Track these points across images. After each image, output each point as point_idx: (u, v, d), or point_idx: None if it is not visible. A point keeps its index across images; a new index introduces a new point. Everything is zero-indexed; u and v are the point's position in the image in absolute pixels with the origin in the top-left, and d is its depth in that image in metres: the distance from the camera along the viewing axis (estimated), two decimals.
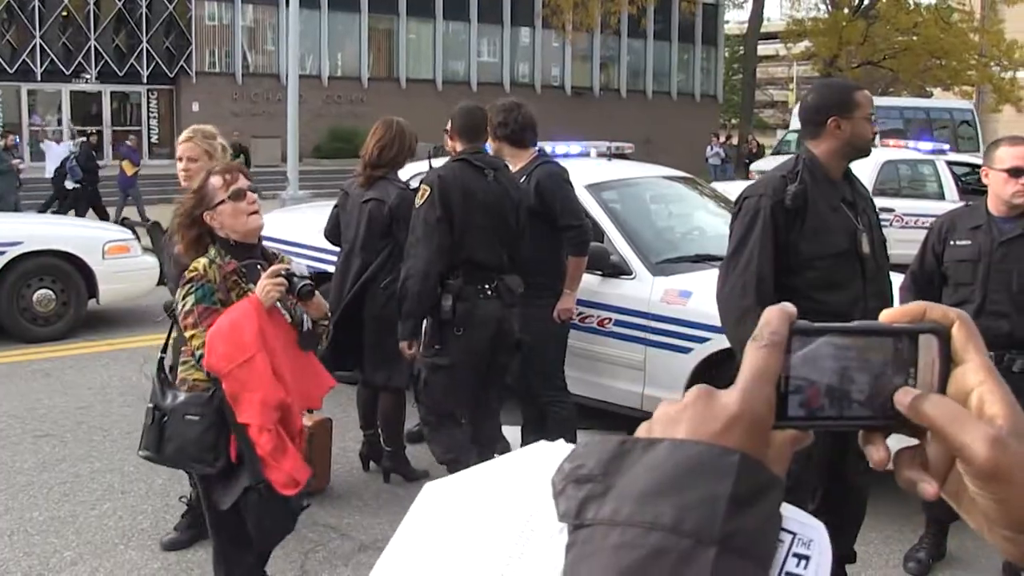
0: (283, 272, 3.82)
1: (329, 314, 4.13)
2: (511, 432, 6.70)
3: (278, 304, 3.87)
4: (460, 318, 5.27)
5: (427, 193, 5.29)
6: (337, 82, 37.59)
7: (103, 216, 20.06)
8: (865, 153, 4.13)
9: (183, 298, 3.86)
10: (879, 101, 29.25)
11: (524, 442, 6.38)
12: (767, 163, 25.06)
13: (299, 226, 8.89)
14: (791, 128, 28.89)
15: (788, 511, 0.70)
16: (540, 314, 5.89)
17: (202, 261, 3.90)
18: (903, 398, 0.75)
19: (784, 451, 0.75)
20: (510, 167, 5.96)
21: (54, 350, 9.62)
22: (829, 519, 3.79)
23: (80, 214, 19.59)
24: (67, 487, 6.13)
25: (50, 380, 8.53)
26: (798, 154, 4.07)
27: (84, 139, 22.21)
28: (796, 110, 4.26)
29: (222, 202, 3.94)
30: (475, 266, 5.33)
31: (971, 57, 40.85)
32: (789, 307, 0.76)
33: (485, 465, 0.91)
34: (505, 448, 6.71)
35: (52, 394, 8.07)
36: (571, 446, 0.92)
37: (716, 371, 6.21)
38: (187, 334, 3.84)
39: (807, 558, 0.70)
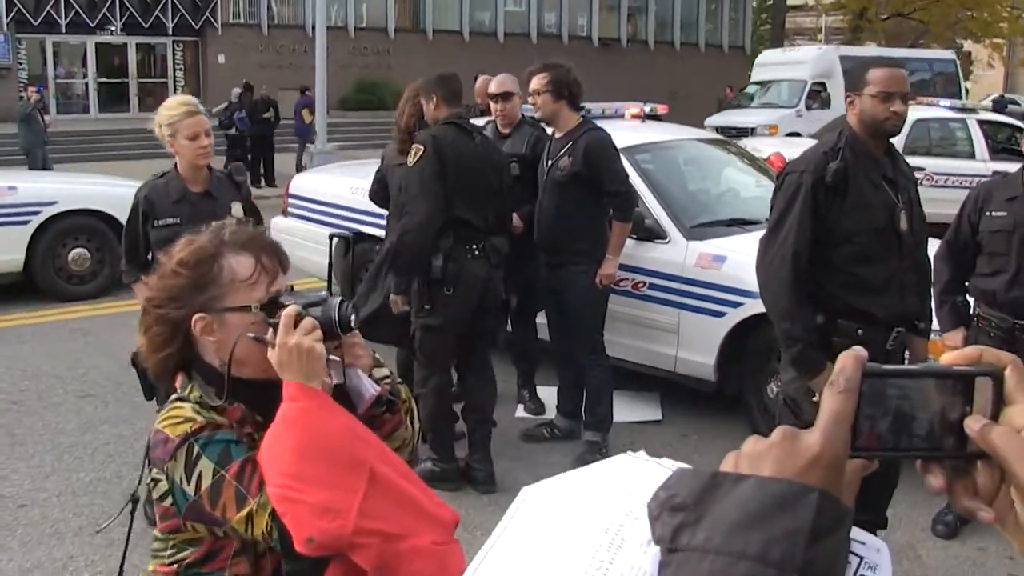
0: (299, 311, 2.06)
1: (380, 361, 2.32)
2: (547, 393, 6.82)
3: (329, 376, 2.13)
4: (450, 277, 5.40)
5: (422, 151, 5.40)
6: (363, 33, 37.42)
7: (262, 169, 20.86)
8: (880, 132, 4.05)
9: (185, 472, 2.04)
10: (846, 51, 28.50)
11: (560, 403, 6.50)
12: (722, 118, 24.84)
13: (332, 187, 8.94)
14: (752, 80, 28.52)
15: (856, 534, 0.81)
16: (581, 278, 5.99)
17: (185, 408, 2.12)
18: (974, 424, 0.83)
19: (854, 479, 0.85)
20: (556, 131, 6.06)
21: (91, 309, 9.77)
22: (862, 487, 3.89)
23: (250, 163, 20.30)
24: (111, 448, 6.28)
25: (88, 340, 8.68)
26: (840, 129, 4.11)
27: (244, 90, 22.27)
28: None
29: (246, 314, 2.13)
30: (464, 226, 5.46)
31: (1003, 9, 40.27)
32: (861, 353, 0.85)
33: (578, 473, 0.99)
34: (539, 409, 6.83)
35: (92, 354, 8.21)
36: (655, 461, 1.00)
37: (749, 336, 6.28)
38: (233, 522, 2.01)
39: None
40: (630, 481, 0.95)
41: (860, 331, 4.01)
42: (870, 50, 32.89)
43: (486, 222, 5.54)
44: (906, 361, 4.29)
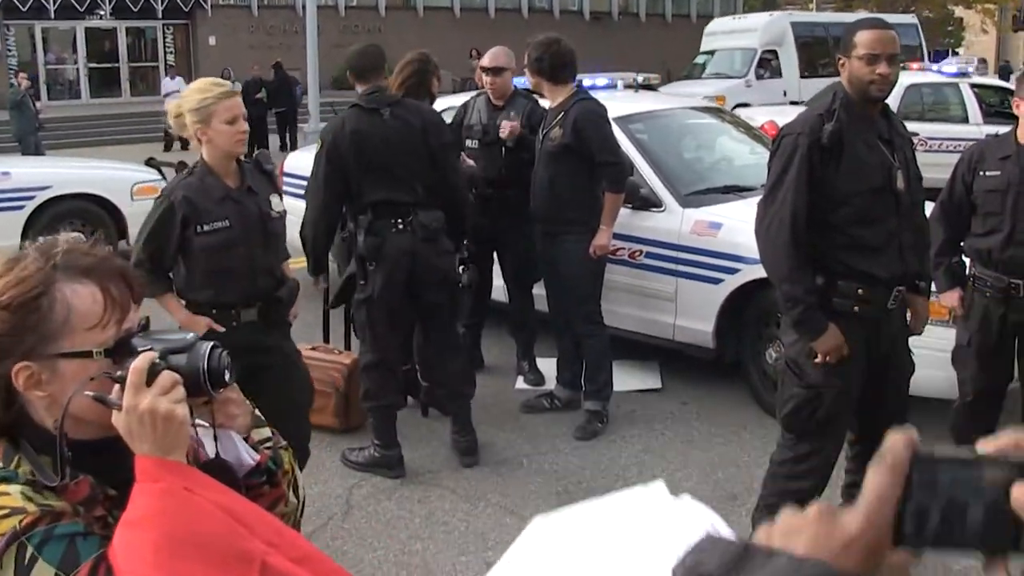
0: (155, 360, 1.60)
1: (262, 419, 1.96)
2: (546, 364, 6.84)
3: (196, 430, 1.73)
4: (370, 252, 5.36)
5: (318, 147, 5.45)
6: (354, 11, 37.28)
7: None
8: (868, 95, 4.00)
9: None
10: (798, 16, 28.22)
11: (559, 374, 6.52)
12: (669, 89, 23.52)
13: None
14: (701, 49, 27.62)
15: None
16: (575, 248, 5.99)
17: (11, 493, 1.57)
18: (1020, 495, 0.78)
19: (900, 571, 0.80)
20: (546, 102, 6.06)
21: None
22: (868, 450, 3.86)
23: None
24: None
25: None
26: (835, 91, 4.11)
27: (275, 65, 23.38)
28: None
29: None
30: (383, 204, 5.38)
31: None
32: (912, 434, 0.82)
33: (590, 505, 0.96)
34: (538, 380, 6.85)
35: None
36: (675, 500, 0.97)
37: (747, 302, 6.29)
38: None
39: None
40: (647, 526, 0.92)
41: (860, 291, 4.03)
42: (822, 16, 32.59)
43: (411, 195, 5.40)
44: (907, 319, 4.30)
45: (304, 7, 21.95)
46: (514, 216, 6.35)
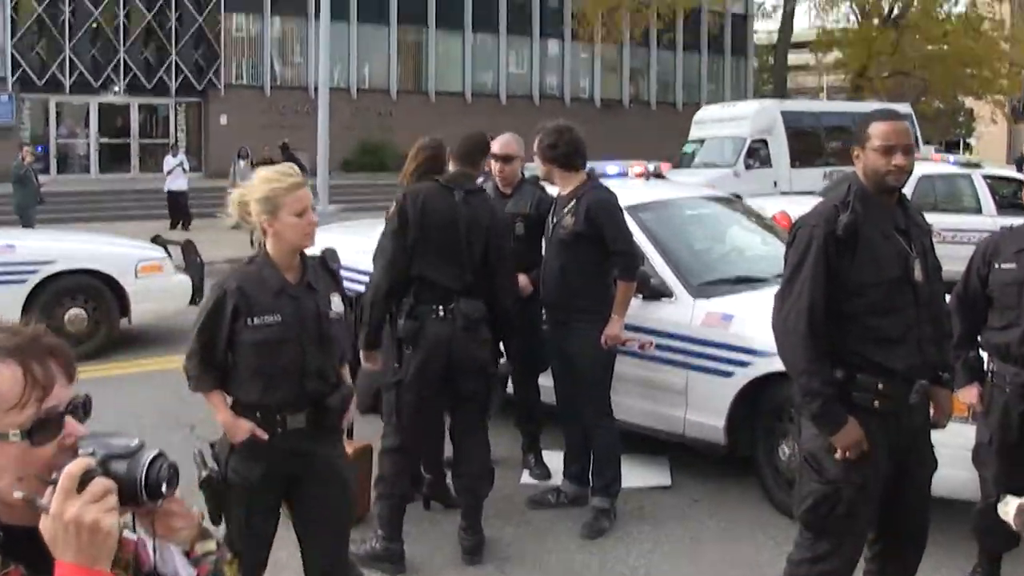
0: (91, 465, 1.54)
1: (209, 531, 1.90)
2: (553, 458, 6.69)
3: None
4: (408, 336, 5.31)
5: (391, 208, 5.49)
6: (366, 94, 37.79)
7: None
8: (884, 186, 3.97)
9: None
10: (789, 105, 28.04)
11: (566, 467, 6.37)
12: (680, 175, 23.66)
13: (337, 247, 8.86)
14: (690, 138, 27.39)
15: None
16: (586, 337, 5.89)
17: None
18: None
19: None
20: (560, 189, 6.00)
21: (85, 370, 9.54)
22: (889, 549, 3.72)
23: None
24: None
25: None
26: (849, 183, 4.06)
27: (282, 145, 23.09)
28: None
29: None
30: (428, 285, 5.36)
31: (1003, 66, 40.69)
32: None
33: None
34: (544, 474, 6.69)
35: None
36: None
37: (760, 396, 6.17)
38: None
39: None
40: None
41: (880, 385, 3.93)
42: (814, 104, 32.69)
43: (458, 283, 5.40)
44: (931, 413, 4.18)
45: (316, 88, 22.19)
46: (522, 304, 6.27)
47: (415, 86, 39.69)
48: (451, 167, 5.76)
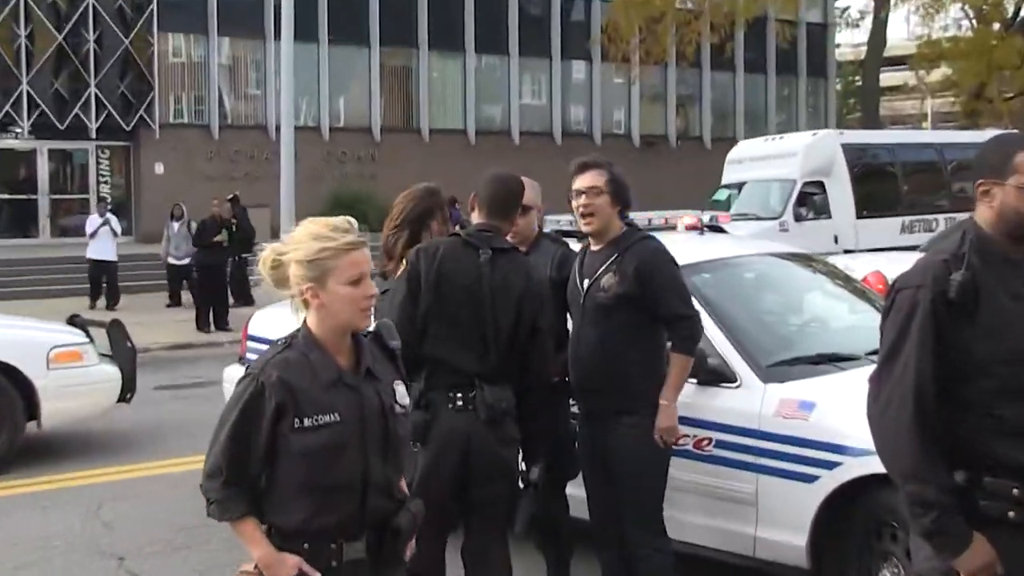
0: None
1: None
2: None
3: None
4: (417, 431, 5.30)
5: (403, 267, 5.59)
6: (340, 134, 38.12)
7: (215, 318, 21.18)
8: (1021, 234, 3.96)
9: None
10: (852, 137, 26.95)
11: None
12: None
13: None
14: (724, 182, 27.11)
15: None
16: (634, 433, 5.91)
17: None
18: None
19: None
20: (594, 242, 6.07)
21: None
22: None
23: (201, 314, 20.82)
24: None
25: None
26: (964, 231, 4.05)
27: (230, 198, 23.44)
28: None
29: None
30: (443, 368, 5.41)
31: None
32: None
33: None
34: None
35: None
36: None
37: (852, 505, 6.17)
38: None
39: None
40: None
41: (1015, 490, 3.89)
42: (886, 135, 31.65)
43: (481, 365, 5.45)
44: None
45: (278, 128, 22.39)
46: (544, 393, 6.30)
47: (404, 122, 40.07)
48: (476, 217, 5.79)
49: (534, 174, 7.13)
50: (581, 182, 6.05)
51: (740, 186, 26.10)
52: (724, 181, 27.02)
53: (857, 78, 47.94)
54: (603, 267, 6.00)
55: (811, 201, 24.95)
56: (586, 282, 6.08)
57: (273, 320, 9.56)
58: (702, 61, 43.83)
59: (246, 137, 36.38)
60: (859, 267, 13.39)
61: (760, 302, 7.76)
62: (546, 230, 6.98)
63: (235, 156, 35.60)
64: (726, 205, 24.98)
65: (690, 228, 8.26)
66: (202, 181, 32.15)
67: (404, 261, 5.61)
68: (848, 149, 25.68)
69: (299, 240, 3.85)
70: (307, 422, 3.73)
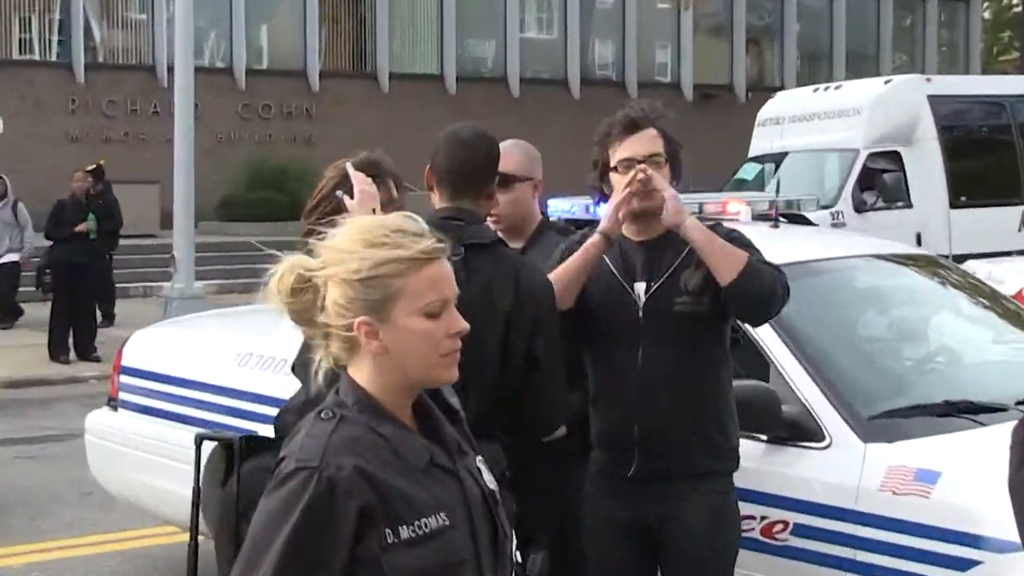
0: None
1: None
2: None
3: None
4: None
5: None
6: (263, 80, 38.13)
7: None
8: None
9: None
10: (944, 84, 25.94)
11: None
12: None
13: (202, 354, 8.99)
14: (751, 153, 26.53)
15: None
16: (714, 505, 5.99)
17: None
18: None
19: None
20: (637, 232, 6.07)
21: None
22: None
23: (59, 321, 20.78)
24: None
25: None
26: None
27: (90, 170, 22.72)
28: None
29: None
30: None
31: None
32: None
33: None
34: None
35: None
36: None
37: None
38: None
39: None
40: None
41: None
42: (999, 82, 31.11)
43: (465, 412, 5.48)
44: None
45: (171, 69, 22.39)
46: (544, 447, 6.33)
47: (353, 65, 40.13)
48: (436, 200, 5.81)
49: (539, 138, 7.14)
50: (634, 147, 5.97)
51: (778, 159, 25.28)
52: (752, 152, 26.21)
53: (1016, 1, 48.06)
54: (678, 261, 5.94)
55: (881, 181, 23.96)
56: (642, 286, 6.03)
57: (159, 346, 9.58)
58: None
59: (125, 81, 36.36)
60: (1010, 278, 13.41)
61: (861, 326, 7.78)
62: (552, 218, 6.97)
63: (108, 108, 35.57)
64: (756, 185, 24.16)
65: (758, 217, 8.25)
66: (59, 143, 32.21)
67: None
68: (939, 103, 24.58)
69: (342, 248, 3.56)
70: (405, 532, 3.43)
